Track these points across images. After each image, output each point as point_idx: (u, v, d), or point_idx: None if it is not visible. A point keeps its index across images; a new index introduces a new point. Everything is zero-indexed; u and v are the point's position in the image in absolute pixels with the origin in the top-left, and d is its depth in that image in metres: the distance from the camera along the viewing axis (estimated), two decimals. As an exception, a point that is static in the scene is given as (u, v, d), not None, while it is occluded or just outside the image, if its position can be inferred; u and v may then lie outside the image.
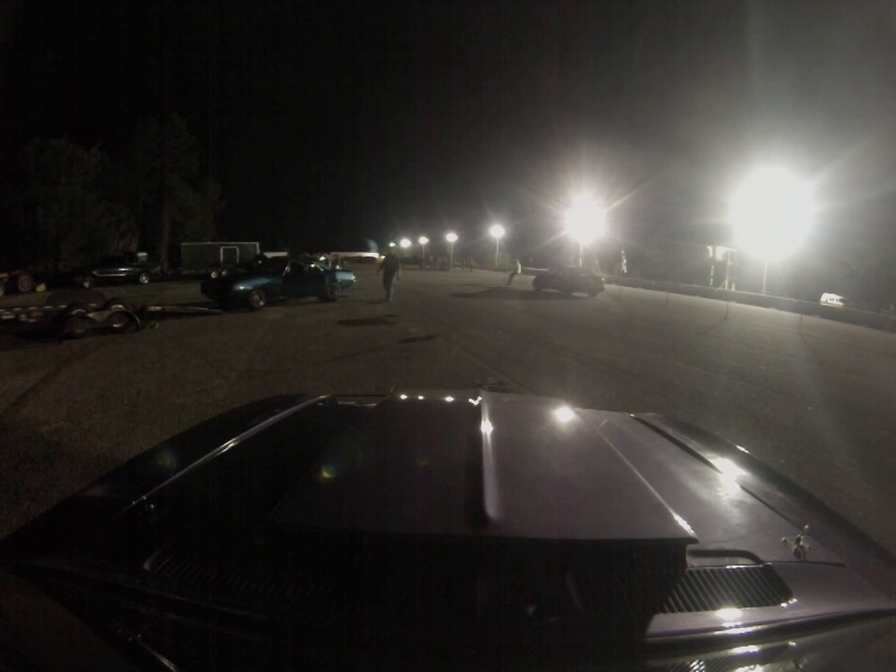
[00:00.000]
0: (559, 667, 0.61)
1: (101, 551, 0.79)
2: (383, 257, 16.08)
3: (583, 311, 15.41)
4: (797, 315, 15.51)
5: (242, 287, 11.91)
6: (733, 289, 27.91)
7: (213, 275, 18.60)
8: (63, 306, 8.26)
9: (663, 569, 0.75)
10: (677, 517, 0.78)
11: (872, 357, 10.77)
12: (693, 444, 1.39)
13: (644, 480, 0.90)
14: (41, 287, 18.39)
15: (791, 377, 7.39)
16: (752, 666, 0.65)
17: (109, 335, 8.24)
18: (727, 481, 1.16)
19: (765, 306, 22.49)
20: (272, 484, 1.01)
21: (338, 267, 22.43)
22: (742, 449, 1.52)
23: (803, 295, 21.83)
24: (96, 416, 4.35)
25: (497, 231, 52.16)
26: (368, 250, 67.90)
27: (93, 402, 4.75)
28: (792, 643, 0.67)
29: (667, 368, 7.40)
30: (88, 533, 0.84)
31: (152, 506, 0.86)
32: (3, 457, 3.42)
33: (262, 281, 12.34)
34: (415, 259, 54.22)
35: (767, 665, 0.66)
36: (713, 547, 0.83)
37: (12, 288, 17.30)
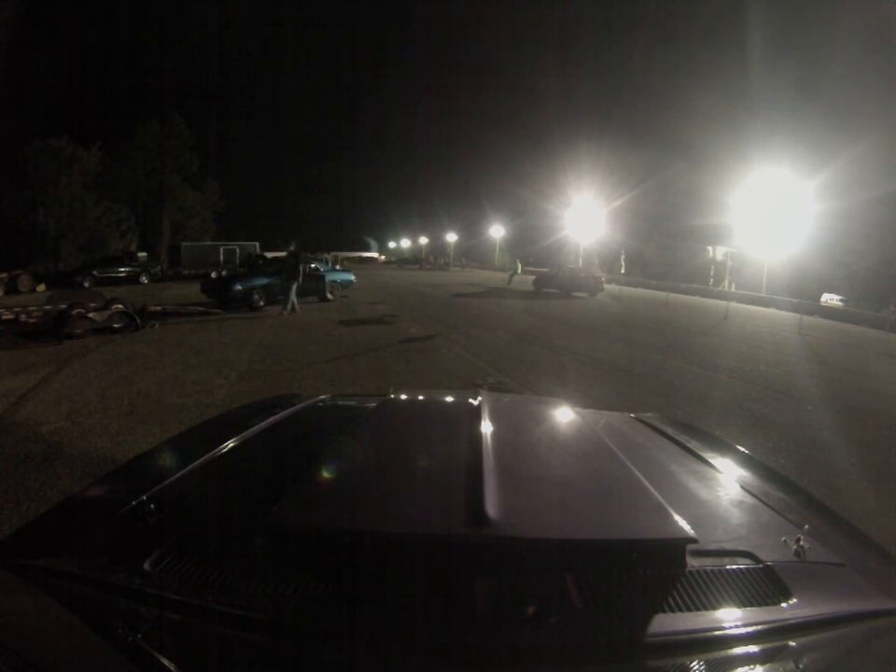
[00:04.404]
0: (559, 667, 0.61)
1: (101, 551, 0.79)
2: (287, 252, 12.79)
3: (583, 311, 15.40)
4: (797, 315, 15.50)
5: (242, 287, 11.92)
6: (733, 289, 27.92)
7: (213, 275, 18.59)
8: (63, 306, 8.26)
9: (663, 569, 0.75)
10: (677, 517, 0.78)
11: (872, 357, 10.76)
12: (693, 444, 1.39)
13: (644, 480, 0.90)
14: (41, 287, 18.38)
15: (791, 377, 7.39)
16: (752, 666, 0.65)
17: (109, 335, 8.24)
18: (727, 481, 1.16)
19: (765, 306, 22.49)
20: (272, 484, 1.01)
21: (338, 267, 22.42)
22: (742, 449, 1.52)
23: (803, 295, 21.79)
24: (96, 416, 4.35)
25: (496, 231, 52.21)
26: (368, 250, 68.01)
27: (93, 402, 4.75)
28: (792, 643, 0.67)
29: (668, 368, 7.40)
30: (88, 533, 0.84)
31: (152, 506, 0.86)
32: (3, 457, 3.42)
33: (262, 281, 12.35)
34: (415, 259, 54.25)
35: (767, 665, 0.66)
36: (713, 547, 0.83)
37: (12, 288, 17.31)
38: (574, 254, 36.19)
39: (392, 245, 73.43)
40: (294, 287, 11.30)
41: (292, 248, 12.23)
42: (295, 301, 11.37)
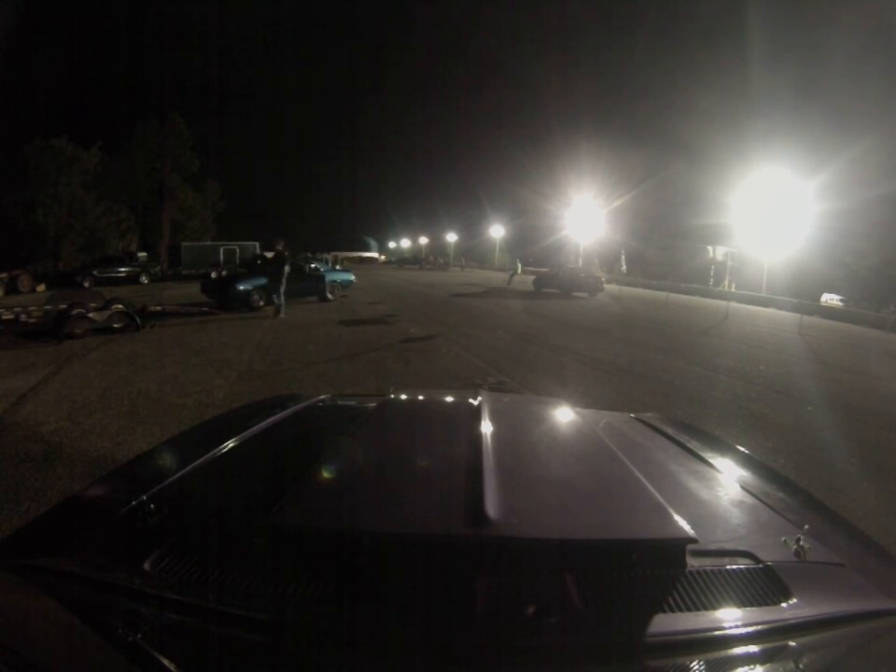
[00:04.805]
0: (559, 667, 0.61)
1: (101, 551, 0.79)
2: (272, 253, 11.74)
3: (583, 311, 15.41)
4: (797, 315, 15.50)
5: (242, 287, 11.90)
6: (733, 289, 27.90)
7: (213, 275, 18.59)
8: (63, 306, 8.25)
9: (663, 569, 0.75)
10: (677, 517, 0.78)
11: (872, 357, 10.76)
12: (693, 444, 1.39)
13: (644, 480, 0.90)
14: (41, 287, 18.40)
15: (792, 377, 7.39)
16: (752, 666, 0.65)
17: (109, 335, 8.24)
18: (727, 481, 1.16)
19: (765, 306, 22.49)
20: (272, 484, 1.01)
21: (338, 267, 22.44)
22: (742, 449, 1.52)
23: (803, 295, 21.77)
24: (96, 416, 4.35)
25: (497, 231, 52.27)
26: (368, 250, 68.16)
27: (93, 402, 4.75)
28: (792, 643, 0.67)
29: (668, 368, 7.40)
30: (88, 533, 0.84)
31: (152, 506, 0.86)
32: (3, 457, 3.42)
33: (262, 281, 12.33)
34: (415, 259, 54.33)
35: (767, 665, 0.66)
36: (713, 547, 0.83)
37: (12, 288, 17.32)
38: (574, 254, 36.18)
39: (392, 245, 73.54)
40: (281, 289, 10.93)
41: (279, 248, 11.67)
42: (281, 303, 11.02)
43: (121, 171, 30.57)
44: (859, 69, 33.67)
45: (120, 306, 8.73)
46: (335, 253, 43.78)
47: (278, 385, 5.44)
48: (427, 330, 9.58)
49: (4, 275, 17.49)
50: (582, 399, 5.00)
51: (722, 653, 0.64)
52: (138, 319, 8.77)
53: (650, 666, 0.63)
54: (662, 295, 22.46)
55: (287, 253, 11.54)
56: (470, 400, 1.30)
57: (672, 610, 0.68)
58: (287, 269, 11.01)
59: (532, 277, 24.56)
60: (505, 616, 0.65)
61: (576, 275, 21.63)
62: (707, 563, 0.79)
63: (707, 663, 0.62)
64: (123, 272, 22.08)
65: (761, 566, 0.79)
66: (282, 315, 10.78)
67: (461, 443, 1.01)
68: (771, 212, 27.26)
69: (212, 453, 1.13)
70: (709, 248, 34.84)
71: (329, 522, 0.77)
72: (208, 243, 32.05)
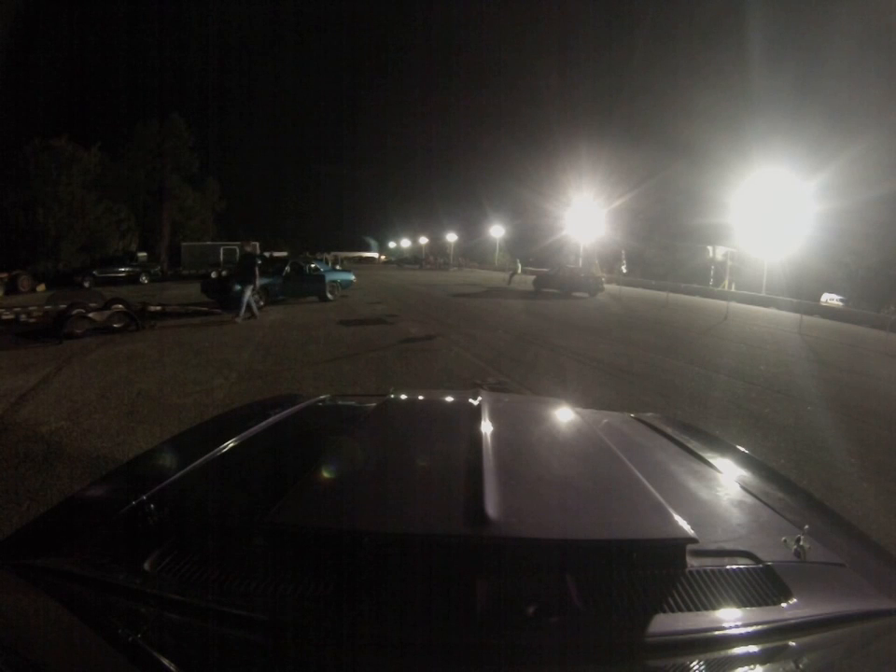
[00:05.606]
0: (559, 667, 0.61)
1: (101, 551, 0.79)
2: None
3: (583, 311, 15.40)
4: (797, 315, 15.49)
5: (242, 287, 11.89)
6: (733, 289, 27.89)
7: (213, 275, 18.60)
8: (63, 306, 8.26)
9: (663, 569, 0.75)
10: (677, 517, 0.78)
11: (872, 358, 10.76)
12: (693, 444, 1.39)
13: (644, 480, 0.90)
14: (41, 287, 18.40)
15: (792, 377, 7.39)
16: (752, 666, 0.65)
17: (109, 335, 8.24)
18: (727, 481, 1.16)
19: (765, 306, 22.47)
20: (272, 484, 1.01)
21: (338, 267, 22.46)
22: (742, 449, 1.52)
23: (803, 295, 21.75)
24: (96, 416, 4.35)
25: (497, 231, 52.29)
26: (368, 250, 68.29)
27: (93, 402, 4.75)
28: (792, 643, 0.67)
29: (667, 368, 7.40)
30: (88, 533, 0.84)
31: (152, 506, 0.86)
32: (3, 457, 3.42)
33: (262, 281, 12.33)
34: (415, 259, 54.39)
35: (767, 665, 0.66)
36: (713, 547, 0.83)
37: (12, 288, 17.31)
38: (574, 254, 36.16)
39: (392, 244, 73.61)
40: (249, 291, 10.29)
41: (248, 249, 11.22)
42: (253, 305, 10.44)
43: (121, 171, 30.57)
44: (859, 69, 33.71)
45: (120, 306, 8.73)
46: (335, 253, 43.90)
47: (278, 385, 5.44)
48: (426, 330, 9.58)
49: (4, 275, 17.48)
50: (582, 398, 5.00)
51: (722, 653, 0.64)
52: (138, 319, 8.77)
53: (650, 666, 0.63)
54: (662, 295, 22.44)
55: (257, 254, 11.35)
56: (470, 400, 1.30)
57: (672, 610, 0.68)
58: (257, 270, 10.59)
59: (532, 277, 24.55)
60: (505, 616, 0.65)
61: (576, 275, 21.63)
62: (707, 563, 0.79)
63: (707, 663, 0.62)
64: (123, 272, 22.08)
65: (761, 566, 0.79)
66: (239, 320, 9.92)
67: (461, 443, 1.01)
68: (771, 212, 27.25)
69: (212, 453, 1.13)
70: (709, 248, 34.82)
71: (328, 522, 0.77)
72: (208, 243, 32.05)
